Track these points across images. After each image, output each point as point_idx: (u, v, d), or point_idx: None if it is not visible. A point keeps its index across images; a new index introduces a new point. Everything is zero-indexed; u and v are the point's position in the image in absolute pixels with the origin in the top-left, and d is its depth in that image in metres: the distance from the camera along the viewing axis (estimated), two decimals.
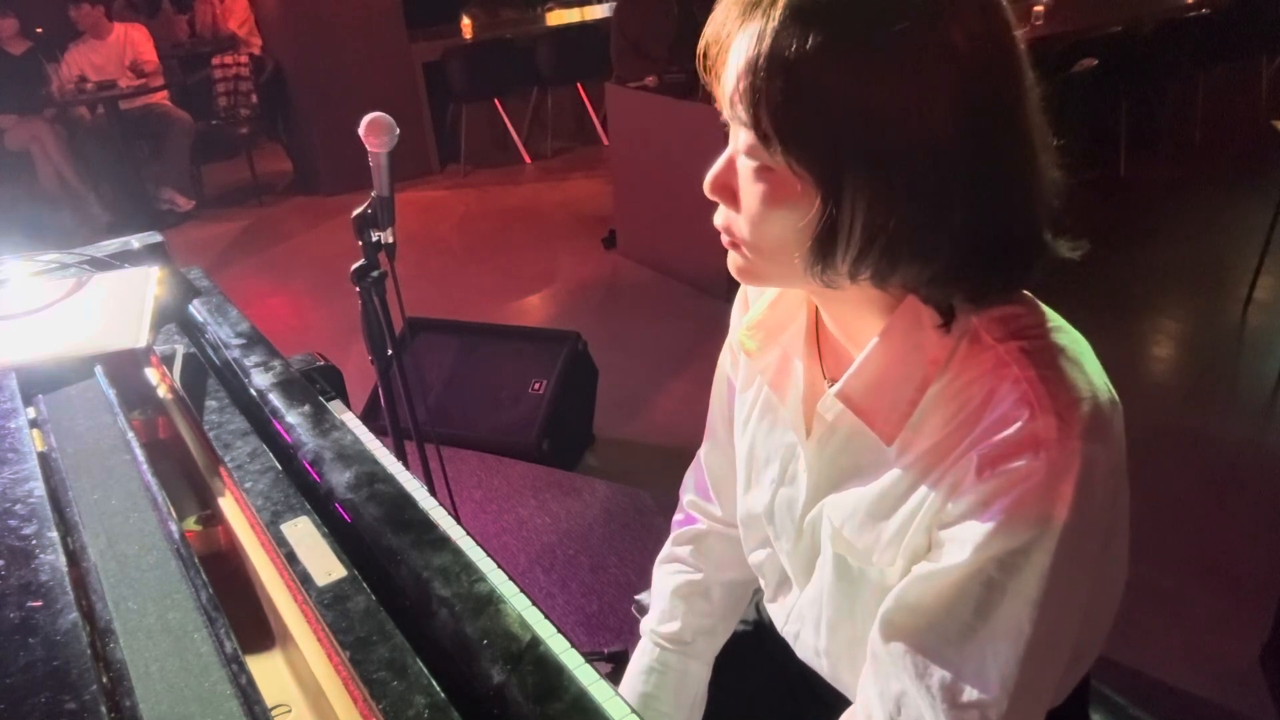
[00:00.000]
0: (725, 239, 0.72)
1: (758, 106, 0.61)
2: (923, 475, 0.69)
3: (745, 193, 0.68)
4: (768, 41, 0.60)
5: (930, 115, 0.59)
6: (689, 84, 3.88)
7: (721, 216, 0.72)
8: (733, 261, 0.73)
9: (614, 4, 5.46)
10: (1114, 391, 0.67)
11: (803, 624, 0.89)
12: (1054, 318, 0.70)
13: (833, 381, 0.76)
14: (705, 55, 0.67)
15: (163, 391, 1.10)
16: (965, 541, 0.65)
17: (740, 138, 0.66)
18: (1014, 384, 0.64)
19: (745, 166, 0.67)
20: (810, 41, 0.58)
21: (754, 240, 0.69)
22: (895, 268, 0.64)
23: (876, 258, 0.63)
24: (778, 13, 0.60)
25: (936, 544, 0.69)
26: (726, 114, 0.67)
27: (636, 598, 1.24)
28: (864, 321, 0.74)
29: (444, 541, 0.79)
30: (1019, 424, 0.63)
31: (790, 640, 0.93)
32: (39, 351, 1.09)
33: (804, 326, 0.82)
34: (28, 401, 1.00)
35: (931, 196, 0.61)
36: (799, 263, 0.66)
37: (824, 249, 0.64)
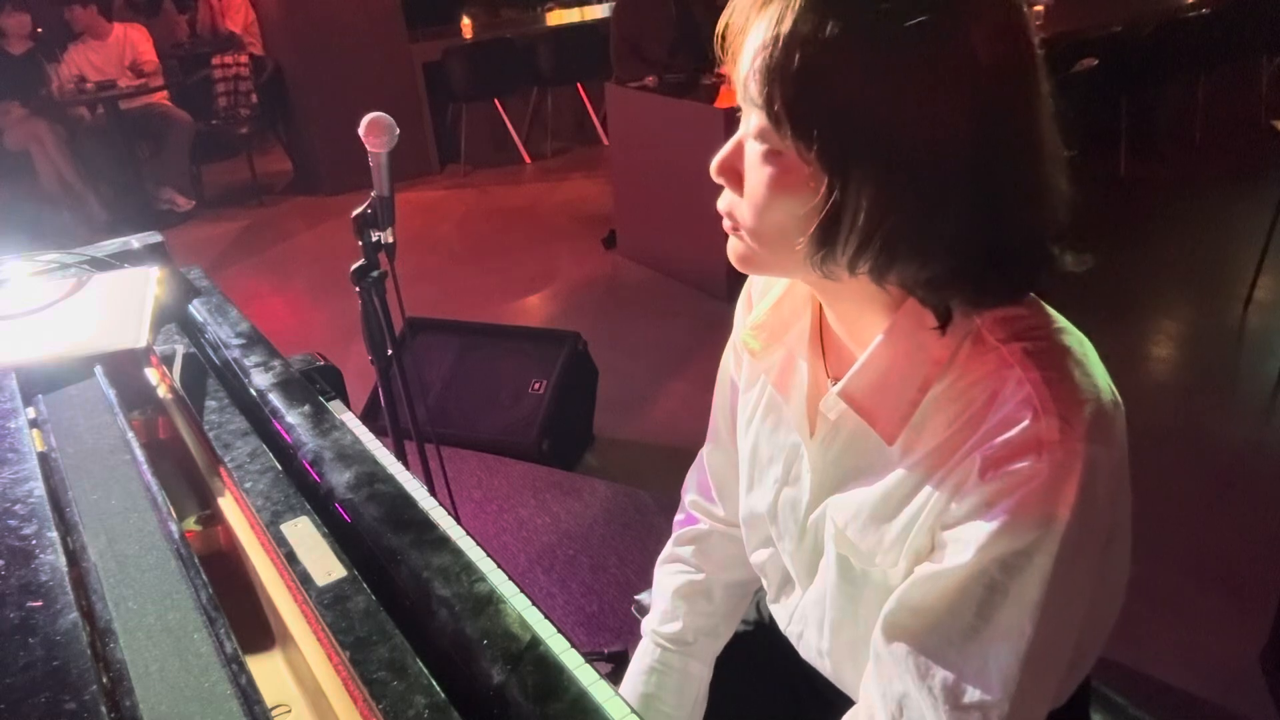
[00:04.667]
0: (727, 224, 0.72)
1: (771, 86, 0.62)
2: (926, 476, 0.69)
3: (751, 177, 0.68)
4: (786, 24, 0.60)
5: (940, 116, 0.59)
6: (689, 84, 3.88)
7: (725, 201, 0.72)
8: (733, 248, 0.73)
9: (613, 5, 5.45)
10: (1117, 393, 0.66)
11: (806, 624, 0.89)
12: (1058, 319, 0.70)
13: (836, 381, 0.76)
14: (724, 38, 0.67)
15: (163, 391, 1.10)
16: (968, 542, 0.65)
17: (751, 121, 0.66)
18: (1018, 385, 0.64)
19: (753, 150, 0.67)
20: (828, 28, 0.59)
21: (756, 226, 0.69)
22: (893, 264, 0.64)
23: (876, 252, 0.63)
24: None
25: (939, 545, 0.69)
26: (739, 96, 0.67)
27: (636, 598, 1.24)
28: (868, 320, 0.73)
29: (444, 541, 0.79)
30: (1022, 425, 0.63)
31: (793, 640, 0.93)
32: (39, 351, 1.09)
33: (808, 326, 0.82)
34: (28, 401, 1.00)
35: (933, 197, 0.61)
36: (800, 251, 0.66)
37: (826, 238, 0.64)
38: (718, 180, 0.71)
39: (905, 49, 0.58)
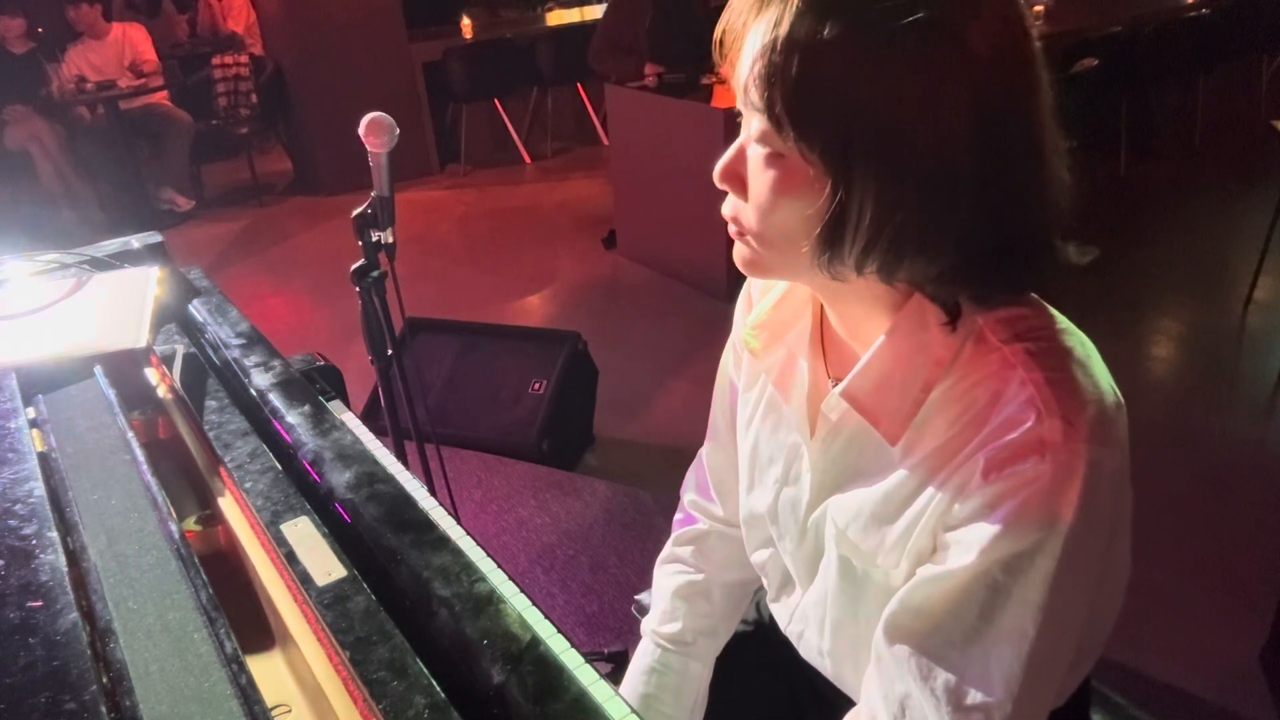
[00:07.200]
0: (732, 229, 0.72)
1: (772, 89, 0.62)
2: (928, 477, 0.69)
3: (755, 181, 0.68)
4: (784, 27, 0.60)
5: (941, 113, 0.59)
6: (689, 84, 3.88)
7: (729, 206, 0.72)
8: (739, 253, 0.73)
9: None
10: (1119, 394, 0.66)
11: (806, 624, 0.89)
12: (1060, 320, 0.70)
13: (837, 381, 0.76)
14: (721, 43, 0.67)
15: (163, 391, 1.10)
16: (971, 544, 0.65)
17: (753, 125, 0.66)
18: (1020, 386, 0.64)
19: (756, 154, 0.67)
20: (826, 29, 0.59)
21: (761, 230, 0.69)
22: (901, 262, 0.64)
23: (883, 250, 0.63)
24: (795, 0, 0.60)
25: (942, 546, 0.69)
26: (740, 101, 0.67)
27: (636, 598, 1.24)
28: (870, 321, 0.73)
29: (444, 541, 0.79)
30: (1025, 426, 0.62)
31: (794, 640, 0.93)
32: (39, 351, 1.09)
33: (809, 326, 0.82)
34: (28, 401, 1.00)
35: (938, 194, 0.61)
36: (806, 253, 0.66)
37: (832, 239, 0.64)
38: (721, 186, 0.71)
39: (904, 47, 0.58)
